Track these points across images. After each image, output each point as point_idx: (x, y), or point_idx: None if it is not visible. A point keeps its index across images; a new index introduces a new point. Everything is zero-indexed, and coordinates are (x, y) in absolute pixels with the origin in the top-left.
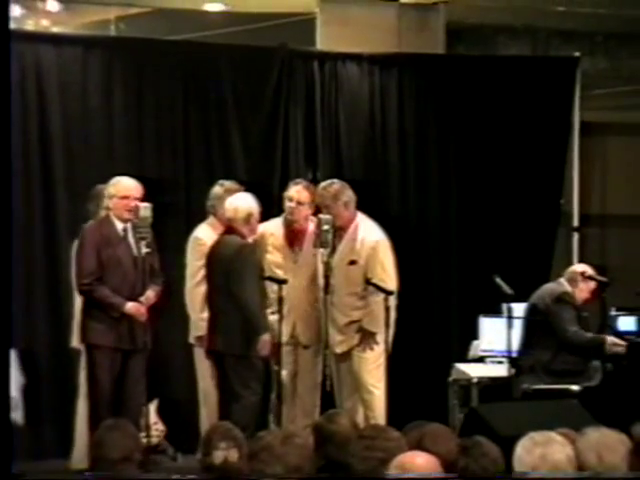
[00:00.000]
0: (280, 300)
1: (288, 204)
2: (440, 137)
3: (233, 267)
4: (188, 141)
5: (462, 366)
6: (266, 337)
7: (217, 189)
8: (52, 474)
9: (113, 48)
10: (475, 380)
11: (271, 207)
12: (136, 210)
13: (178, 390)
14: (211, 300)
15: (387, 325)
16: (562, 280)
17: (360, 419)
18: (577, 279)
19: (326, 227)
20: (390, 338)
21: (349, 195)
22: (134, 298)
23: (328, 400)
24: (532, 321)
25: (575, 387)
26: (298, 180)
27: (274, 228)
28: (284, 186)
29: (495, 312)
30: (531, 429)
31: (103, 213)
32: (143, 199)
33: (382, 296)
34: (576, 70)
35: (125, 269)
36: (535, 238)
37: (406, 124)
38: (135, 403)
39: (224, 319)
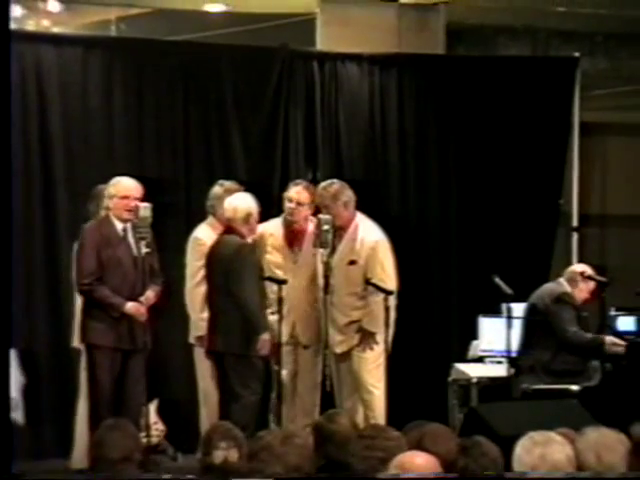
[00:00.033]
0: (280, 300)
1: (288, 205)
2: (440, 137)
3: (232, 266)
4: (188, 141)
5: (462, 366)
6: (266, 336)
7: (217, 189)
8: (52, 474)
9: (113, 48)
10: (475, 380)
11: (271, 207)
12: (136, 210)
13: (178, 390)
14: (211, 300)
15: (387, 325)
16: (562, 280)
17: (360, 419)
18: (577, 279)
19: (326, 227)
20: (390, 338)
21: (349, 195)
22: (134, 298)
23: (328, 400)
24: (532, 321)
25: (574, 387)
26: (298, 181)
27: (273, 228)
28: (284, 186)
29: (495, 312)
30: (531, 429)
31: (103, 213)
32: (143, 199)
33: (382, 296)
34: (576, 70)
35: (125, 269)
36: (534, 238)
37: (406, 124)
38: (135, 403)
39: (224, 319)
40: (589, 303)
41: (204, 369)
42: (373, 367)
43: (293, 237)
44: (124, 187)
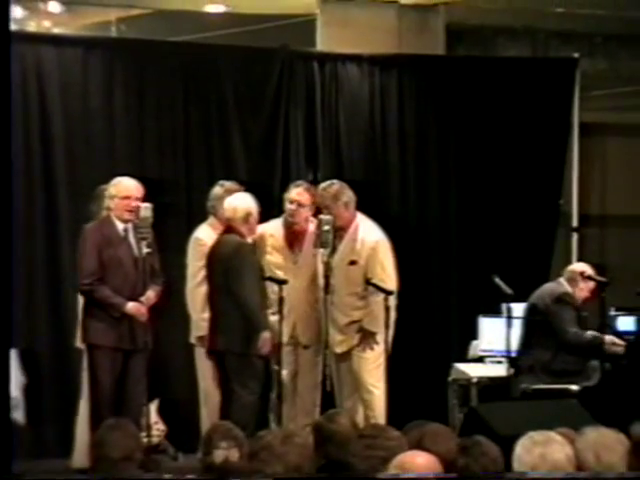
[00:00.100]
0: (280, 301)
1: (289, 206)
2: (440, 138)
3: (232, 265)
4: (189, 142)
5: (461, 366)
6: (266, 335)
7: (217, 190)
8: (53, 474)
9: (114, 49)
10: (474, 380)
11: (271, 208)
12: (137, 210)
13: (179, 390)
14: (212, 300)
15: (387, 325)
16: (562, 280)
17: (360, 419)
18: (577, 278)
19: (326, 227)
20: (390, 338)
21: (349, 195)
22: (135, 298)
23: (328, 400)
24: (531, 321)
25: (574, 387)
26: (299, 182)
27: (274, 229)
28: (285, 187)
29: (494, 312)
30: (530, 429)
31: (104, 213)
32: (144, 199)
33: (382, 296)
34: (575, 71)
35: (126, 269)
36: (534, 238)
37: (406, 125)
38: (136, 403)
39: (225, 319)
40: (589, 303)
41: (205, 369)
42: (373, 367)
43: (293, 238)
44: (125, 187)
